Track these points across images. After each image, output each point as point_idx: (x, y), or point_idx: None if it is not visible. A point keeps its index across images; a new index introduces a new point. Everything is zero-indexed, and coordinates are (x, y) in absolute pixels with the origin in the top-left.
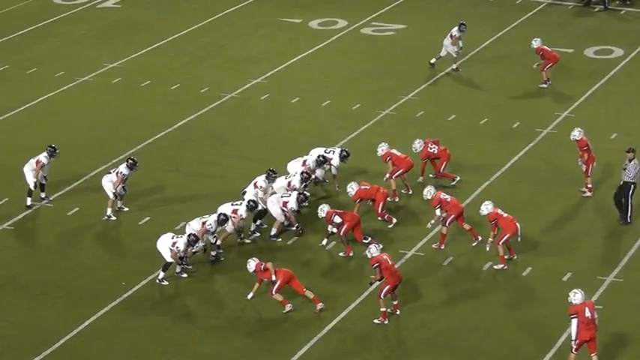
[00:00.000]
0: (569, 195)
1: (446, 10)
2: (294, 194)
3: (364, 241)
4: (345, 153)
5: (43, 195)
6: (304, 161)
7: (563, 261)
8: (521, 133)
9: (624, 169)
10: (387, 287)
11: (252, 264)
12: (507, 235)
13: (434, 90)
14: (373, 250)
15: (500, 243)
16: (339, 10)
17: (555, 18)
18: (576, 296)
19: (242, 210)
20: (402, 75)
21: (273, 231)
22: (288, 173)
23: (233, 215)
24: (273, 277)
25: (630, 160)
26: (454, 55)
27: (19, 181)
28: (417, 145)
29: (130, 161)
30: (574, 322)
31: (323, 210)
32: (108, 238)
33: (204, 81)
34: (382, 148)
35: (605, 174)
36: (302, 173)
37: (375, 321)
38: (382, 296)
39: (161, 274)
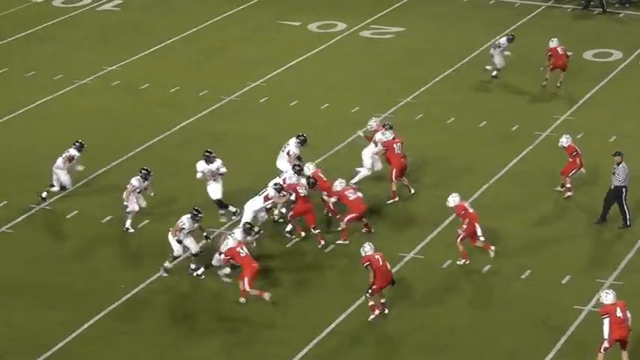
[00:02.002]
0: (567, 198)
1: (445, 12)
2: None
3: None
4: (302, 138)
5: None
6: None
7: (562, 264)
8: (520, 136)
9: (613, 174)
10: (374, 287)
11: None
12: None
13: (433, 93)
14: (367, 249)
15: (459, 240)
16: (338, 13)
17: (554, 21)
18: (608, 297)
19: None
20: (401, 78)
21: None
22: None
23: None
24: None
25: (618, 164)
26: (496, 64)
27: (18, 184)
28: (373, 123)
29: (144, 171)
30: (606, 322)
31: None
32: (107, 241)
33: (204, 84)
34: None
35: (605, 177)
36: (275, 184)
37: (370, 318)
38: (368, 294)
39: (200, 269)
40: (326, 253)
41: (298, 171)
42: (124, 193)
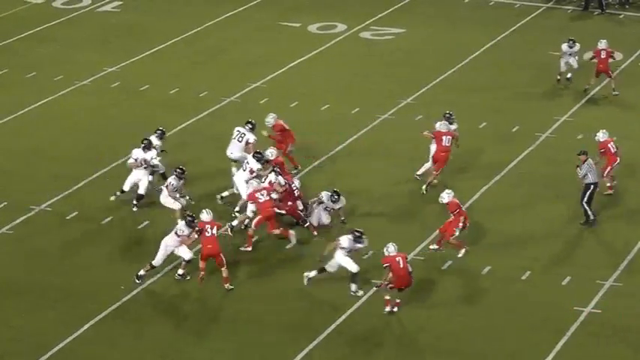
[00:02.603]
0: (567, 199)
1: (445, 13)
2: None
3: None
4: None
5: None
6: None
7: (562, 265)
8: (520, 137)
9: (582, 173)
10: (391, 286)
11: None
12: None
13: (433, 94)
14: (390, 250)
15: (452, 238)
16: (338, 14)
17: (554, 22)
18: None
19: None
20: (401, 79)
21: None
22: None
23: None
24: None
25: (584, 162)
26: (562, 67)
27: (17, 185)
28: (271, 119)
29: (179, 170)
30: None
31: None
32: (107, 242)
33: (204, 85)
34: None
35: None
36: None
37: (385, 310)
38: (385, 288)
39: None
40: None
41: (259, 159)
42: (162, 196)
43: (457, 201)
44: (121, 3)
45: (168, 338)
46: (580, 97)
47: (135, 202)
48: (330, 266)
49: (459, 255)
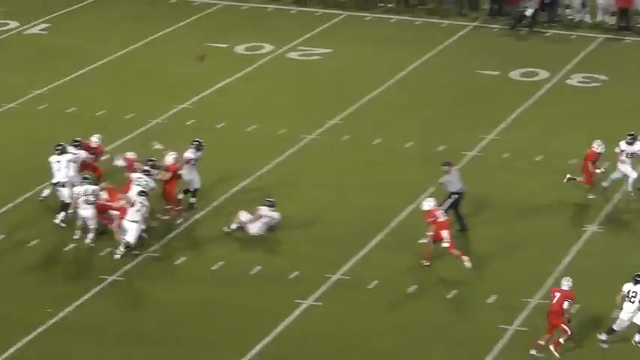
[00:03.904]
0: (495, 218)
1: (372, 33)
2: None
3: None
4: (75, 142)
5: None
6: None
7: (488, 283)
8: (446, 156)
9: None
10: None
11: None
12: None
13: (360, 114)
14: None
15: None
16: (265, 35)
17: (481, 40)
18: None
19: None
20: (328, 99)
21: None
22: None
23: None
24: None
25: (447, 173)
26: None
27: None
28: (96, 138)
29: (196, 142)
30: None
31: None
32: (32, 264)
33: (131, 107)
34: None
35: (532, 197)
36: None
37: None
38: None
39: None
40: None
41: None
42: (182, 164)
43: (435, 211)
44: (48, 25)
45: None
46: (506, 115)
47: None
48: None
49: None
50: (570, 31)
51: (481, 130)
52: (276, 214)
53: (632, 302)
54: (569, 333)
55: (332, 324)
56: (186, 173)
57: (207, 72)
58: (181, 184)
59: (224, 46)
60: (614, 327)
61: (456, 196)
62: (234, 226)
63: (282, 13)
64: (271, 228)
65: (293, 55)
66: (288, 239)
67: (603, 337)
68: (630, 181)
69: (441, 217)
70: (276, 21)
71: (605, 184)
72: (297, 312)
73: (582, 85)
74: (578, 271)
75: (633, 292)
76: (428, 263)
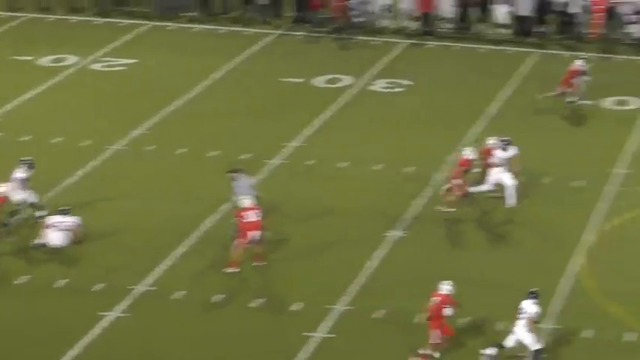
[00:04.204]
0: (300, 224)
1: (175, 43)
2: None
3: None
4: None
5: None
6: None
7: (293, 290)
8: (250, 164)
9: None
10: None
11: None
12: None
13: (166, 123)
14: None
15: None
16: (69, 47)
17: (285, 48)
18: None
19: None
20: (134, 109)
21: None
22: None
23: None
24: None
25: (234, 179)
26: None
27: None
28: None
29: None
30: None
31: None
32: None
33: None
34: None
35: (337, 203)
36: None
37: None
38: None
39: None
40: None
41: None
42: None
43: (245, 214)
44: None
45: None
46: (311, 122)
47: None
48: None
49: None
50: (373, 37)
51: (286, 138)
52: (71, 219)
53: (521, 319)
54: (449, 335)
55: (138, 335)
56: (16, 194)
57: (11, 85)
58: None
59: (29, 58)
60: (504, 343)
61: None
62: (40, 240)
63: (87, 25)
64: (76, 238)
65: (97, 66)
66: (93, 250)
67: (491, 351)
68: (508, 192)
69: (252, 219)
70: (81, 32)
71: (471, 189)
72: (102, 324)
73: (386, 90)
74: (382, 277)
75: (522, 308)
76: (236, 270)
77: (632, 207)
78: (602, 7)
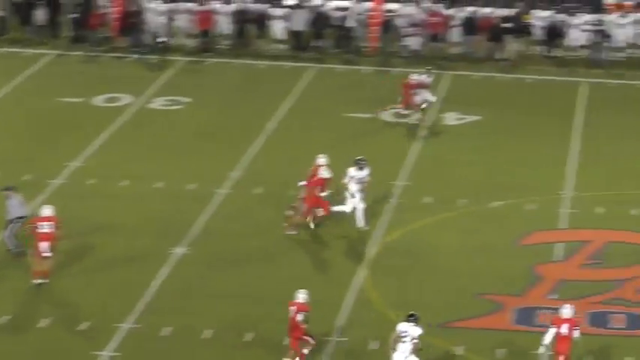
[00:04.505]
0: (82, 244)
1: None
2: None
3: None
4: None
5: None
6: None
7: (80, 309)
8: (32, 185)
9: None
10: None
11: None
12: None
13: None
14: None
15: None
16: None
17: (64, 68)
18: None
19: None
20: None
21: None
22: None
23: None
24: None
25: (8, 198)
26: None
27: None
28: None
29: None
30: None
31: None
32: None
33: None
34: None
35: (118, 221)
36: None
37: None
38: None
39: None
40: None
41: None
42: None
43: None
44: None
45: None
46: (90, 142)
47: None
48: None
49: None
50: (151, 55)
51: (67, 158)
52: None
53: (405, 342)
54: (313, 342)
55: None
56: None
57: None
58: None
59: None
60: None
61: (21, 220)
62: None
63: None
64: None
65: None
66: None
67: None
68: (359, 214)
69: (45, 229)
70: None
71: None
72: None
73: (165, 107)
74: (168, 294)
75: (404, 332)
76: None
77: (413, 219)
78: (378, 20)
